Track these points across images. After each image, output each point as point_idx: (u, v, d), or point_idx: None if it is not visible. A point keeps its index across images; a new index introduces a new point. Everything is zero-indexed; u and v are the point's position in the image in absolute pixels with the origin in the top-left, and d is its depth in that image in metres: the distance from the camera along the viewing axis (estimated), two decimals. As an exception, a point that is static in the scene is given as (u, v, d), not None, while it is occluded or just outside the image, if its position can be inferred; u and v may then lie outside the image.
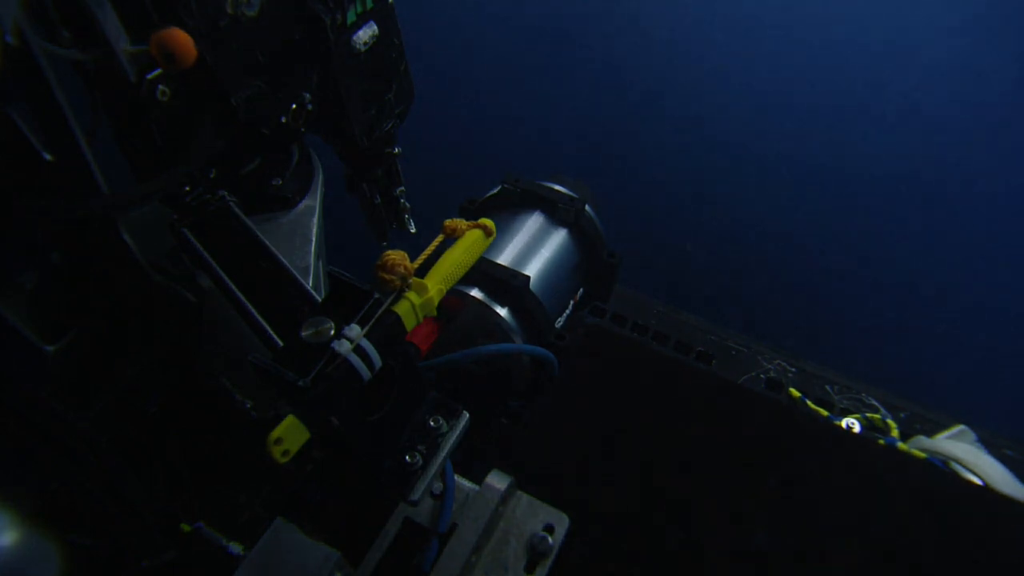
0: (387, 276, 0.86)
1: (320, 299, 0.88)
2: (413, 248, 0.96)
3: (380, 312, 0.83)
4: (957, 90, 3.29)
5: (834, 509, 1.13)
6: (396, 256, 0.86)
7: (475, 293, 1.38)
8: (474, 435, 0.99)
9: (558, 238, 1.55)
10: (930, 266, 3.25)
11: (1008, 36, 3.23)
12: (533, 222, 1.56)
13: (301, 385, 0.76)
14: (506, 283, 1.37)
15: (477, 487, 1.06)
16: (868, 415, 1.60)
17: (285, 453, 0.78)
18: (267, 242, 0.95)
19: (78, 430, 0.99)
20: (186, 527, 1.04)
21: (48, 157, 0.86)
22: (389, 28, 1.18)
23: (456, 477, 1.09)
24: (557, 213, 1.57)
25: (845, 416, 1.59)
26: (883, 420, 1.58)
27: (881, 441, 1.49)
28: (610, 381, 1.28)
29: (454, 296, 1.37)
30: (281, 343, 0.84)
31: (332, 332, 0.80)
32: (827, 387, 1.70)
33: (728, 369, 1.74)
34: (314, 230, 1.19)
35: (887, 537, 1.10)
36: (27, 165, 0.86)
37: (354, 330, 0.80)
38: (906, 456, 1.37)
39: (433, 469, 0.92)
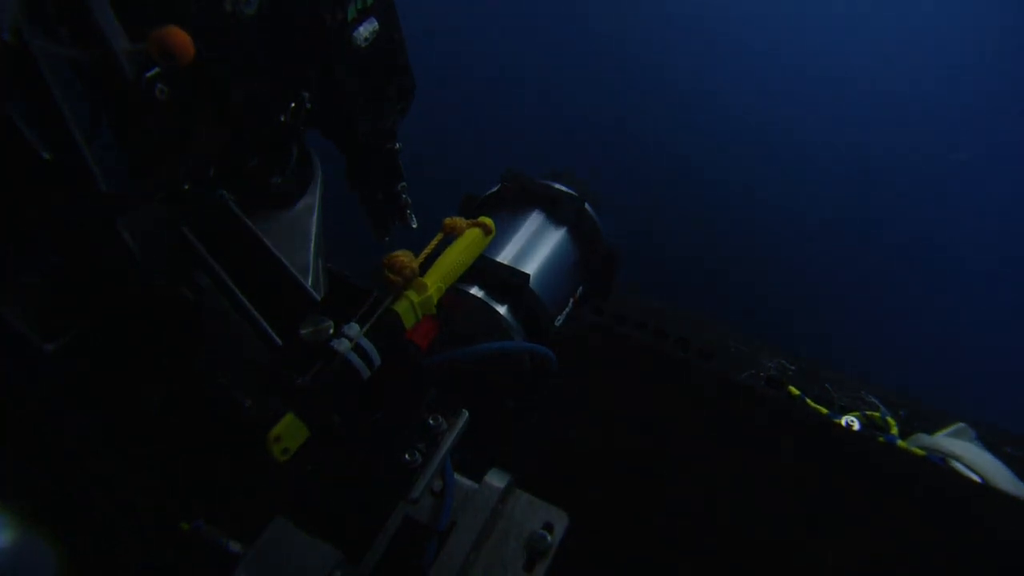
0: (393, 276, 0.86)
1: (319, 298, 0.88)
2: (412, 245, 0.96)
3: (380, 311, 0.83)
4: (962, 87, 3.28)
5: (834, 506, 1.13)
6: (404, 257, 0.87)
7: (475, 291, 1.37)
8: (473, 433, 0.99)
9: (558, 236, 1.55)
10: (931, 264, 3.25)
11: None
12: (533, 220, 1.56)
13: (300, 384, 0.76)
14: (506, 281, 1.37)
15: (476, 485, 1.06)
16: (868, 413, 1.60)
17: (285, 451, 0.78)
18: (266, 241, 0.95)
19: (76, 429, 0.99)
20: (185, 525, 1.04)
21: (46, 156, 0.86)
22: (389, 24, 1.18)
23: (455, 475, 1.09)
24: (557, 211, 1.57)
25: (845, 414, 1.59)
26: (883, 418, 1.58)
27: (881, 439, 1.49)
28: (609, 379, 1.28)
29: (453, 294, 1.37)
30: (280, 342, 0.84)
31: (331, 331, 0.80)
32: (827, 385, 1.70)
33: (729, 367, 1.74)
34: (313, 229, 1.19)
35: (886, 534, 1.10)
36: (25, 164, 0.85)
37: (353, 329, 0.80)
38: (906, 453, 1.38)
39: (433, 467, 0.92)
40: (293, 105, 1.07)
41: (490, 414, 1.43)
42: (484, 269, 1.38)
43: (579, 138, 3.50)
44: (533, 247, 1.51)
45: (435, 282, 0.90)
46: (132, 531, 1.08)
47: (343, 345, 0.78)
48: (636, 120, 3.56)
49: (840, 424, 1.51)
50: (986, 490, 1.27)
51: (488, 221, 1.01)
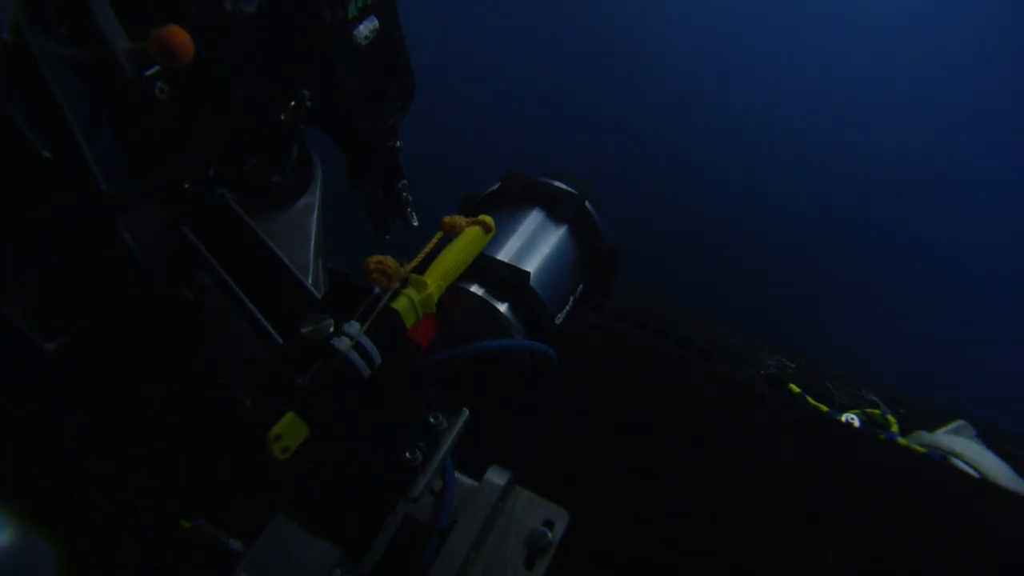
0: (377, 278, 0.86)
1: (320, 296, 0.88)
2: (413, 242, 0.96)
3: (379, 309, 0.83)
4: (962, 87, 3.28)
5: (834, 504, 1.13)
6: (373, 261, 0.86)
7: (475, 289, 1.37)
8: (474, 431, 0.99)
9: (558, 234, 1.55)
10: (931, 264, 3.24)
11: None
12: (533, 218, 1.56)
13: (301, 382, 0.76)
14: (506, 279, 1.37)
15: (476, 483, 1.06)
16: (868, 410, 1.60)
17: (285, 450, 0.78)
18: (267, 239, 0.95)
19: (76, 429, 0.99)
20: (186, 524, 1.04)
21: (47, 155, 0.86)
22: (390, 22, 1.18)
23: (456, 474, 1.09)
24: (557, 209, 1.57)
25: (845, 411, 1.59)
26: (883, 415, 1.58)
27: (881, 436, 1.49)
28: (609, 377, 1.28)
29: (453, 292, 1.37)
30: (281, 340, 0.84)
31: (332, 329, 0.80)
32: (827, 383, 1.70)
33: (729, 365, 1.74)
34: (313, 227, 1.19)
35: (887, 531, 1.10)
36: (26, 164, 0.85)
37: (354, 327, 0.80)
38: (906, 451, 1.38)
39: (433, 466, 0.92)
40: (293, 103, 1.07)
41: (490, 412, 1.43)
42: (484, 267, 1.38)
43: (579, 138, 3.50)
44: (533, 245, 1.51)
45: (435, 280, 0.90)
46: (132, 531, 1.08)
47: (343, 343, 0.78)
48: (636, 120, 3.55)
49: (840, 421, 1.51)
50: (987, 487, 1.27)
51: (488, 219, 1.01)
